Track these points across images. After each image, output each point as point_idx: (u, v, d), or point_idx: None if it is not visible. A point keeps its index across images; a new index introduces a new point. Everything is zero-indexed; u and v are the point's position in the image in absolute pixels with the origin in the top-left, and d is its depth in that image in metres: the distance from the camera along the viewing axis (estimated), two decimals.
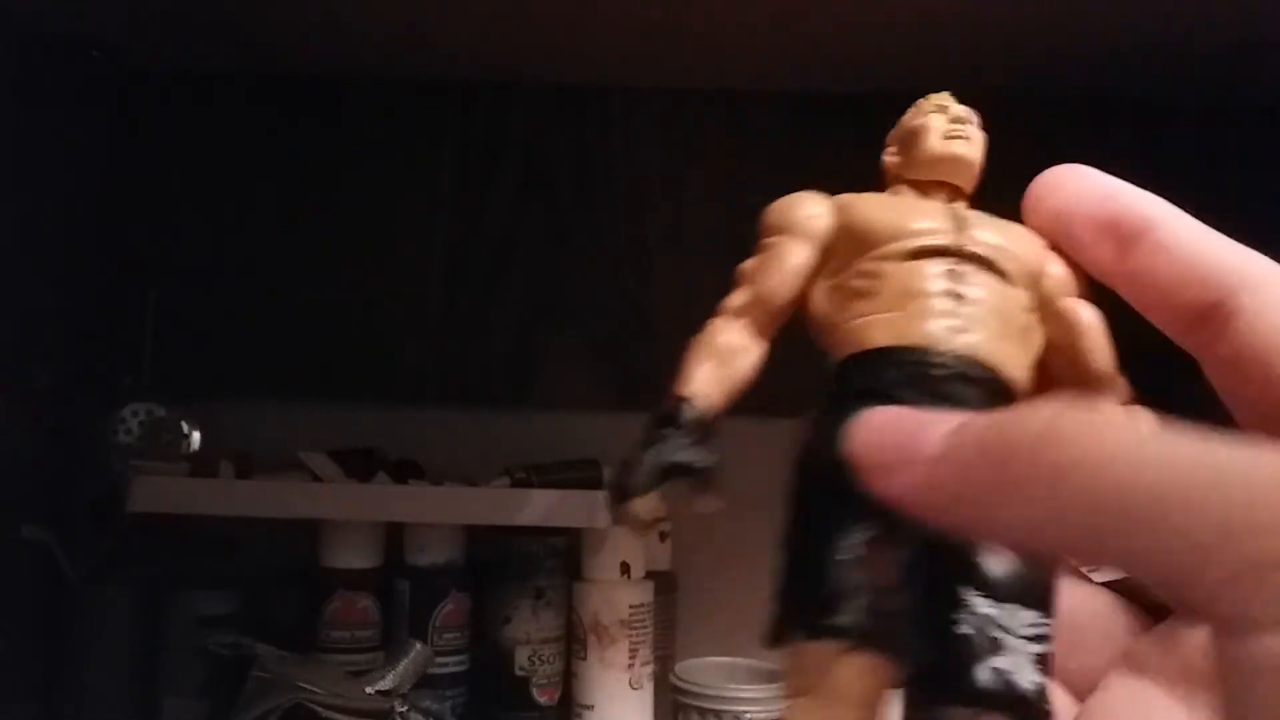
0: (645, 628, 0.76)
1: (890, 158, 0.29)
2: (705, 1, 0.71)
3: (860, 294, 0.25)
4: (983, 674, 0.20)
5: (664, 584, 0.80)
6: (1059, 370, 0.25)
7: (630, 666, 0.75)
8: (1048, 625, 0.21)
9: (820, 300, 0.26)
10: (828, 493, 0.22)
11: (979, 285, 0.24)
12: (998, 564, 0.21)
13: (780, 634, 0.22)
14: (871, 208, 0.26)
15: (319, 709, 0.66)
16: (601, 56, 0.83)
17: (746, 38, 0.77)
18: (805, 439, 0.24)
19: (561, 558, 0.78)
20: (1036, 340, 0.25)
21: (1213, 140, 0.85)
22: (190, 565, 0.78)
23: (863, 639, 0.21)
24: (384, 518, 0.76)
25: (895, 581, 0.21)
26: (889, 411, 0.21)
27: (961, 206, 0.26)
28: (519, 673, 0.77)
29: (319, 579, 0.76)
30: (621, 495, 0.25)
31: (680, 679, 0.75)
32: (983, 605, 0.20)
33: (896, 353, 0.24)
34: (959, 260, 0.24)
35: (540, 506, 0.74)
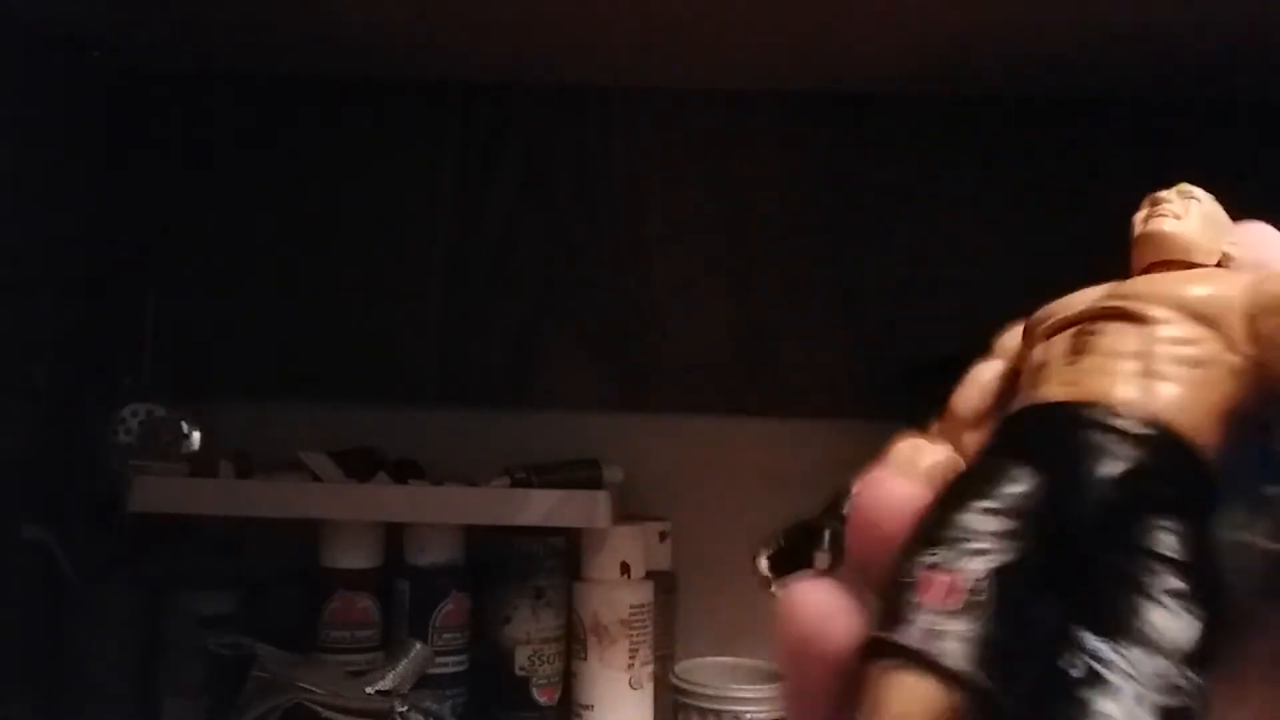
0: (645, 628, 0.76)
1: None
2: (705, 2, 0.71)
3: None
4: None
5: (664, 584, 0.81)
6: None
7: (630, 666, 0.75)
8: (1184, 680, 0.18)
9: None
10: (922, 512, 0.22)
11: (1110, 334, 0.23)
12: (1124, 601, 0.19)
13: None
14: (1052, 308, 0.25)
15: (319, 709, 0.66)
16: (602, 57, 0.83)
17: (747, 38, 0.77)
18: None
19: (561, 558, 0.78)
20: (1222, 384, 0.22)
21: (1213, 140, 0.85)
22: (190, 565, 0.78)
23: (895, 655, 0.20)
24: (384, 518, 0.76)
25: (958, 607, 0.20)
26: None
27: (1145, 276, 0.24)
28: (519, 672, 0.77)
29: (319, 579, 0.76)
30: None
31: (680, 679, 0.75)
32: (1095, 643, 0.18)
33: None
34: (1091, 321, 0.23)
35: (540, 506, 0.74)
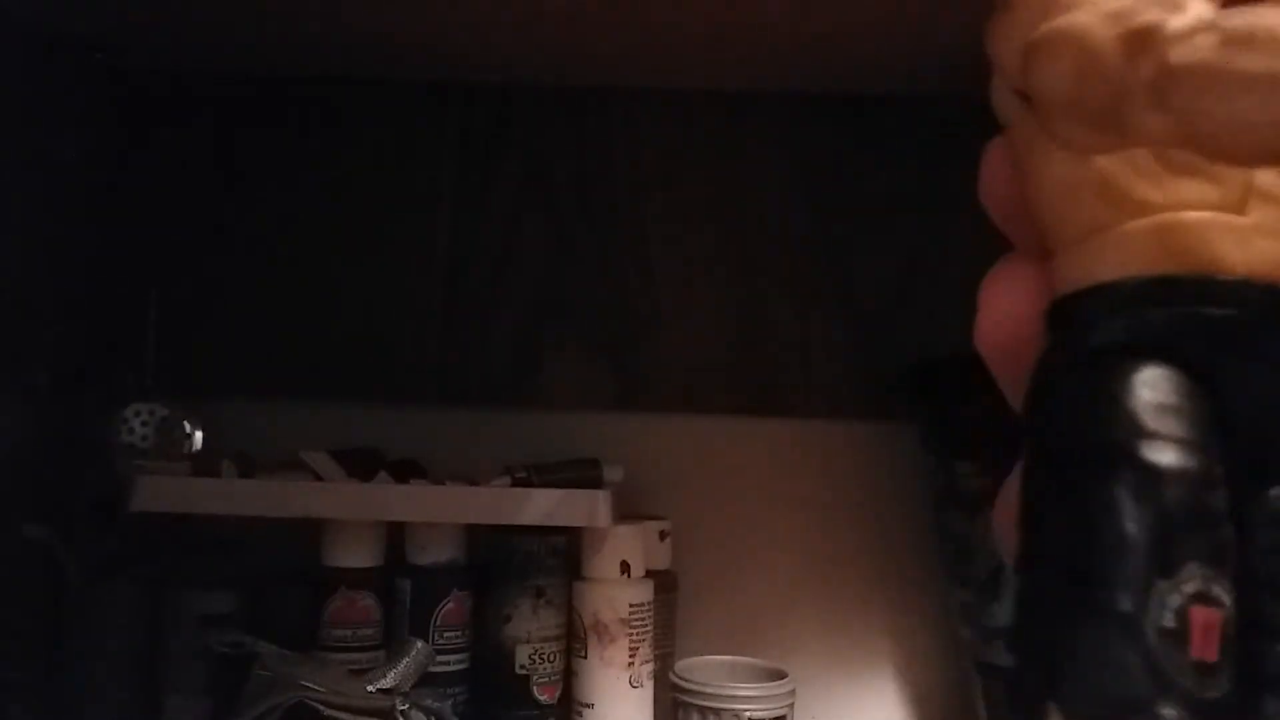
0: (645, 626, 0.76)
1: None
2: (705, 2, 0.71)
3: None
4: None
5: (664, 583, 0.81)
6: None
7: (630, 665, 0.75)
8: None
9: None
10: (1129, 501, 0.13)
11: None
12: None
13: None
14: None
15: (320, 707, 0.67)
16: (602, 57, 0.83)
17: (747, 38, 0.77)
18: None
19: (562, 557, 0.79)
20: None
21: None
22: (192, 564, 0.78)
23: None
24: (385, 517, 0.76)
25: (1218, 656, 0.13)
26: None
27: None
28: (519, 671, 0.77)
29: (320, 578, 0.76)
30: None
31: (680, 677, 0.75)
32: None
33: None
34: None
35: (541, 506, 0.74)
